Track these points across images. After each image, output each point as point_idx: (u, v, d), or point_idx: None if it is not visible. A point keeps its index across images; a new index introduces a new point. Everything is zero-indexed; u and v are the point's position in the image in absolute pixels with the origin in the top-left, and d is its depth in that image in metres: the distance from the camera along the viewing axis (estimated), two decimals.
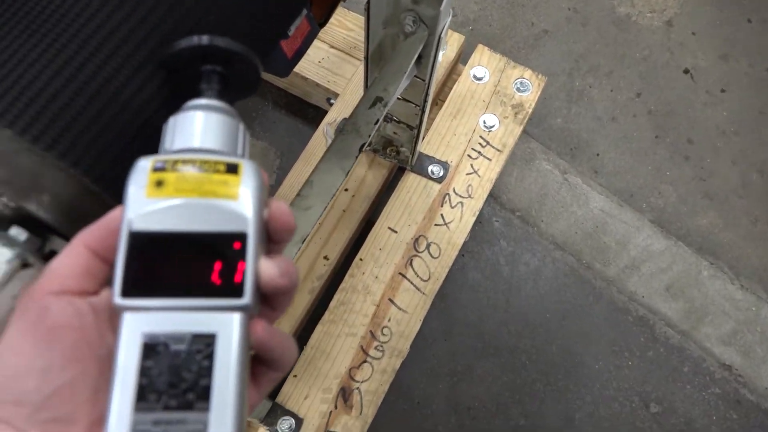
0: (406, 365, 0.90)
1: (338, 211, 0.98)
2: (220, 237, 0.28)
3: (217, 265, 0.28)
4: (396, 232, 0.95)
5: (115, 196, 0.35)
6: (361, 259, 0.94)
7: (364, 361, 0.90)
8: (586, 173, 1.18)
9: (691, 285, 1.11)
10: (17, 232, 0.29)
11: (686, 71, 1.28)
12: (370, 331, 0.91)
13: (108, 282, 0.30)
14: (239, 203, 0.29)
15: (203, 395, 0.26)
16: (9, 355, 0.26)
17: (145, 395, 0.26)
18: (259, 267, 0.28)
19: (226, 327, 0.27)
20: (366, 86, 0.81)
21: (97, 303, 0.28)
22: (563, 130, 1.21)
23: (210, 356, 0.27)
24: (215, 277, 0.28)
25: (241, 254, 0.28)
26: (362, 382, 0.89)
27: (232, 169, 0.30)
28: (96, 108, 0.34)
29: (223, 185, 0.29)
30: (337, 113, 1.02)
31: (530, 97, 1.02)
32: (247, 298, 0.28)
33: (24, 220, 0.33)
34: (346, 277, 0.93)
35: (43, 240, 0.33)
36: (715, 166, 1.20)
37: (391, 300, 0.93)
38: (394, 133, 0.94)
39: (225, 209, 0.29)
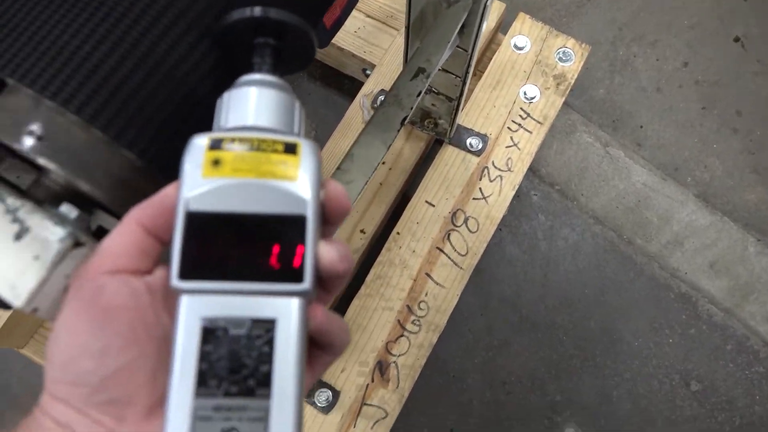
0: (442, 339, 0.89)
1: (375, 185, 0.97)
2: (279, 219, 0.27)
3: (276, 249, 0.27)
4: (433, 205, 0.94)
5: (164, 172, 0.34)
6: (398, 233, 0.93)
7: (401, 335, 0.90)
8: (628, 146, 1.14)
9: (737, 262, 1.08)
10: (68, 210, 0.29)
11: (737, 39, 1.22)
12: (407, 306, 0.91)
13: (161, 261, 0.29)
14: (298, 185, 0.28)
15: (264, 382, 0.26)
16: (65, 334, 0.26)
17: (205, 381, 0.26)
18: (318, 251, 0.28)
19: (285, 312, 0.27)
20: (406, 57, 0.79)
21: (152, 282, 0.28)
22: (605, 102, 1.17)
23: (270, 342, 0.26)
24: (274, 261, 0.27)
25: (301, 238, 0.27)
26: (399, 356, 0.89)
27: (291, 149, 0.29)
28: (150, 84, 0.33)
29: (281, 166, 0.28)
30: (373, 84, 1.00)
31: (573, 67, 0.99)
32: (307, 283, 0.27)
33: (72, 196, 0.32)
34: (383, 250, 0.92)
35: (90, 216, 0.33)
36: (765, 139, 1.15)
37: (428, 274, 0.92)
38: (432, 104, 0.92)
39: (284, 191, 0.28)
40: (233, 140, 0.28)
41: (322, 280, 0.29)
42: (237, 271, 0.27)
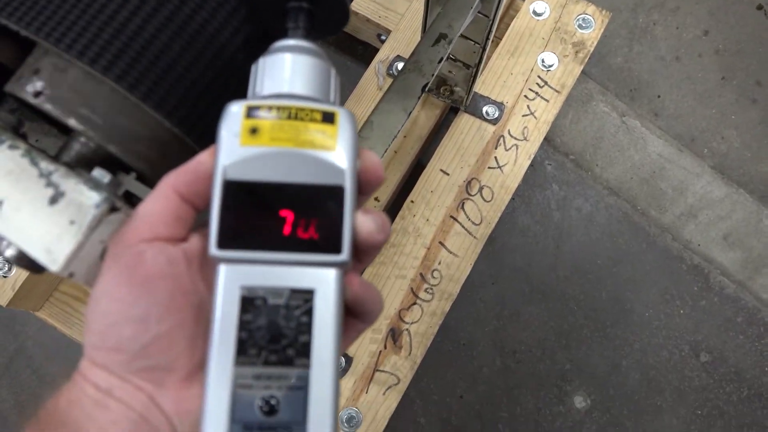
0: (453, 307, 0.90)
1: (390, 152, 0.96)
2: (318, 190, 0.27)
3: (314, 219, 0.27)
4: (448, 174, 0.94)
5: (196, 139, 0.34)
6: (412, 201, 0.92)
7: (414, 303, 0.90)
8: (645, 116, 1.13)
9: (751, 234, 1.07)
10: (101, 174, 0.28)
11: (759, 7, 1.19)
12: (420, 274, 0.91)
13: (195, 228, 0.29)
14: (337, 155, 0.28)
15: (303, 352, 0.26)
16: (105, 302, 0.26)
17: (245, 349, 0.26)
18: (356, 222, 0.28)
19: (324, 283, 0.27)
20: (425, 23, 0.77)
21: (188, 250, 0.28)
22: (623, 70, 1.15)
23: (309, 312, 0.27)
24: (312, 232, 0.27)
25: (339, 208, 0.27)
26: (411, 323, 0.90)
27: (329, 118, 0.28)
28: (189, 53, 0.32)
29: (320, 135, 0.28)
30: (389, 50, 0.99)
31: (592, 34, 0.97)
32: (345, 254, 0.27)
33: (101, 161, 0.32)
34: (397, 218, 0.92)
35: (121, 182, 0.32)
36: None
37: (441, 243, 0.92)
38: (449, 72, 0.91)
39: (322, 161, 0.27)
40: (270, 108, 0.28)
41: (357, 249, 0.29)
42: (275, 241, 0.27)
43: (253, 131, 0.27)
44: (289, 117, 0.28)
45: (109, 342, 0.26)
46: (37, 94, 0.30)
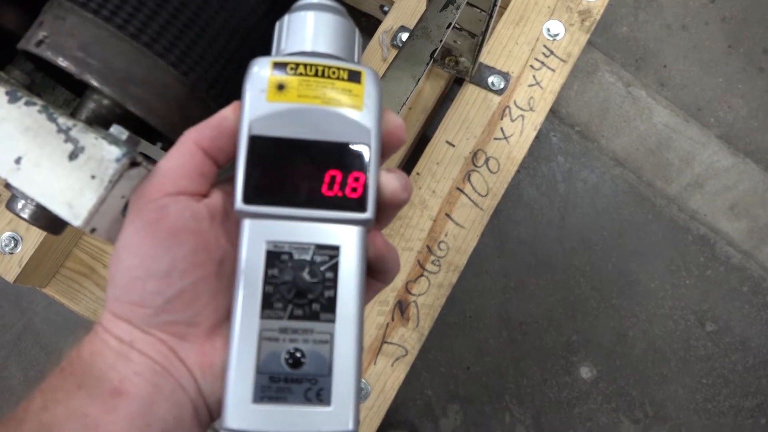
0: (459, 279, 0.90)
1: None
2: (344, 148, 0.27)
3: (340, 177, 0.27)
4: (454, 146, 0.93)
5: (214, 97, 0.33)
6: (418, 174, 0.92)
7: (421, 275, 0.90)
8: (651, 86, 1.12)
9: (757, 204, 1.07)
10: (118, 131, 0.28)
11: None
12: (427, 246, 0.91)
13: (215, 184, 0.29)
14: (363, 114, 0.28)
15: (329, 307, 0.27)
16: (128, 255, 0.26)
17: (271, 303, 0.26)
18: (381, 181, 0.28)
19: (349, 240, 0.27)
20: None
21: (211, 205, 0.28)
22: (629, 40, 1.14)
23: (334, 268, 0.27)
24: (338, 189, 0.27)
25: (364, 167, 0.27)
26: (419, 295, 0.90)
27: (355, 77, 0.28)
28: (207, 13, 0.32)
29: (347, 94, 0.28)
30: (392, 21, 0.97)
31: (598, 2, 0.95)
32: (369, 212, 0.27)
33: (117, 119, 0.32)
34: None
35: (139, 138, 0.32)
36: None
37: (448, 215, 0.92)
38: (455, 41, 0.90)
39: (349, 120, 0.28)
40: (297, 65, 0.28)
41: (379, 208, 0.29)
42: (301, 197, 0.27)
43: (280, 87, 0.27)
44: (316, 75, 0.28)
45: (133, 296, 0.26)
46: (40, 43, 0.29)
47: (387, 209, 0.29)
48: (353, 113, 0.28)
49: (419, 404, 1.01)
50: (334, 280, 0.27)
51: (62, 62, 0.30)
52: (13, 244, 0.88)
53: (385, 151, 0.30)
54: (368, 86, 0.28)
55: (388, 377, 0.88)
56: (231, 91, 0.33)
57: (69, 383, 0.26)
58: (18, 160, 0.26)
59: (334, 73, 0.28)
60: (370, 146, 0.28)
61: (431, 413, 1.01)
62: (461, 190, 0.92)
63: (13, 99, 0.27)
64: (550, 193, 1.09)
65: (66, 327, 1.07)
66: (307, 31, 0.30)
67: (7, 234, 0.88)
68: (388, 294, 0.89)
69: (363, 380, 0.87)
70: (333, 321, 0.26)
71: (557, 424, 1.01)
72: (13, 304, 1.07)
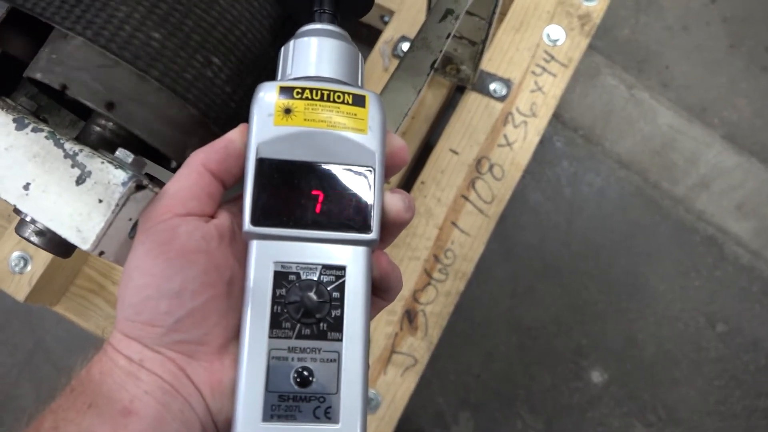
0: (467, 286, 0.90)
1: (398, 134, 0.96)
2: (350, 170, 0.28)
3: (346, 199, 0.28)
4: (457, 153, 0.93)
5: (216, 121, 0.34)
6: (422, 183, 0.92)
7: (428, 284, 0.91)
8: (654, 87, 1.12)
9: (764, 203, 1.07)
10: (124, 154, 0.29)
11: None
12: (434, 255, 0.91)
13: (222, 204, 0.30)
14: (368, 137, 0.29)
15: (336, 326, 0.27)
16: (139, 275, 0.26)
17: (279, 322, 0.27)
18: (385, 201, 0.29)
19: (355, 260, 0.28)
20: (429, 0, 0.77)
21: (220, 226, 0.28)
22: (630, 42, 1.14)
23: (340, 287, 0.28)
24: (344, 211, 0.28)
25: (369, 189, 0.28)
26: (427, 304, 0.90)
27: (359, 101, 0.29)
28: (214, 36, 0.32)
29: (352, 118, 0.29)
30: (393, 31, 0.98)
31: (598, 6, 0.96)
32: (374, 232, 0.28)
33: (122, 142, 0.32)
34: None
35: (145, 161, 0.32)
36: None
37: (453, 223, 0.92)
38: (455, 49, 0.90)
39: (355, 143, 0.28)
40: (304, 90, 0.29)
41: (384, 228, 0.30)
42: (307, 219, 0.28)
43: (287, 111, 0.28)
44: (321, 99, 0.29)
45: (144, 316, 0.26)
46: (64, 87, 0.30)
47: (391, 229, 0.30)
48: (358, 136, 0.29)
49: (430, 413, 1.01)
50: (341, 300, 0.28)
51: (75, 95, 0.30)
52: (22, 264, 0.88)
53: (388, 172, 0.30)
54: (372, 110, 0.29)
55: (398, 387, 0.88)
56: (233, 114, 0.34)
57: (79, 403, 0.26)
58: (26, 186, 0.27)
59: (339, 97, 0.29)
60: (374, 168, 0.28)
61: (442, 422, 1.01)
62: (466, 198, 0.92)
63: (20, 126, 0.28)
64: (556, 198, 1.09)
65: (77, 344, 1.07)
66: (312, 56, 0.30)
67: (16, 254, 0.88)
68: (396, 303, 0.90)
69: (373, 391, 0.87)
70: (340, 340, 0.27)
71: (569, 429, 1.01)
72: (23, 323, 1.08)
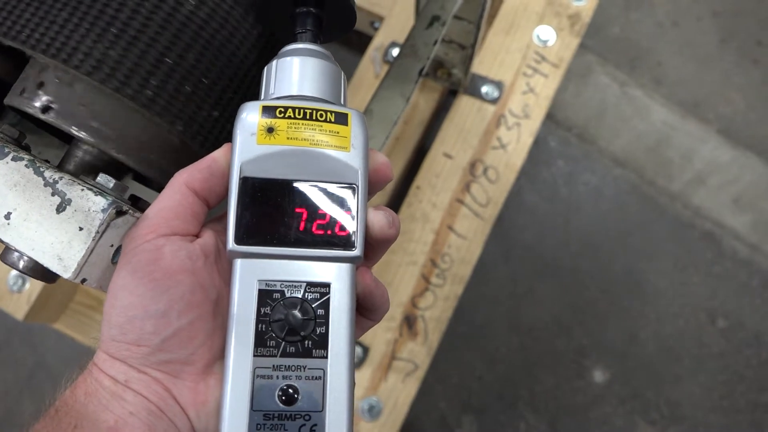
0: (466, 289, 0.90)
1: (391, 140, 0.96)
2: (333, 188, 0.28)
3: (329, 216, 0.28)
4: (451, 157, 0.93)
5: (192, 137, 0.33)
6: (418, 187, 0.92)
7: (426, 289, 0.90)
8: (647, 84, 1.12)
9: (761, 196, 1.06)
10: (105, 180, 0.29)
11: None
12: (431, 259, 0.91)
13: (206, 223, 0.30)
14: (350, 155, 0.29)
15: (321, 343, 0.27)
16: (125, 295, 0.26)
17: (264, 341, 0.27)
18: (369, 219, 0.29)
19: (339, 277, 0.28)
20: (417, 5, 0.77)
21: (205, 245, 0.28)
22: (621, 40, 1.14)
23: (325, 305, 0.28)
24: (327, 228, 0.28)
25: (353, 206, 0.28)
26: (426, 309, 0.90)
27: (342, 119, 0.29)
28: (203, 62, 0.32)
29: (334, 136, 0.29)
30: (383, 37, 0.98)
31: (587, 5, 0.96)
32: (358, 250, 0.28)
33: (104, 167, 0.32)
34: (404, 206, 0.92)
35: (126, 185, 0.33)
36: None
37: (450, 227, 0.92)
38: (445, 54, 0.90)
39: (337, 161, 0.29)
40: (286, 109, 0.29)
41: (369, 245, 0.30)
42: (291, 237, 0.28)
43: (270, 131, 0.28)
44: (304, 117, 0.29)
45: (130, 336, 0.26)
46: (46, 109, 0.30)
47: (376, 246, 0.30)
48: (341, 154, 0.29)
49: (433, 417, 1.01)
50: (326, 317, 0.27)
51: (60, 123, 0.30)
52: (20, 283, 0.89)
53: (372, 189, 0.30)
54: (355, 128, 0.29)
55: (400, 393, 0.88)
56: (217, 135, 0.34)
57: (64, 425, 0.26)
58: (8, 216, 0.27)
59: (321, 115, 0.29)
60: (357, 186, 0.29)
61: (446, 426, 1.01)
62: (461, 202, 0.92)
63: (0, 155, 0.28)
64: (553, 198, 1.08)
65: (78, 361, 1.07)
66: (294, 75, 0.30)
67: (14, 273, 0.88)
68: (395, 309, 0.90)
69: (375, 397, 0.87)
70: (325, 357, 0.27)
71: (573, 429, 1.00)
72: (23, 341, 1.08)
